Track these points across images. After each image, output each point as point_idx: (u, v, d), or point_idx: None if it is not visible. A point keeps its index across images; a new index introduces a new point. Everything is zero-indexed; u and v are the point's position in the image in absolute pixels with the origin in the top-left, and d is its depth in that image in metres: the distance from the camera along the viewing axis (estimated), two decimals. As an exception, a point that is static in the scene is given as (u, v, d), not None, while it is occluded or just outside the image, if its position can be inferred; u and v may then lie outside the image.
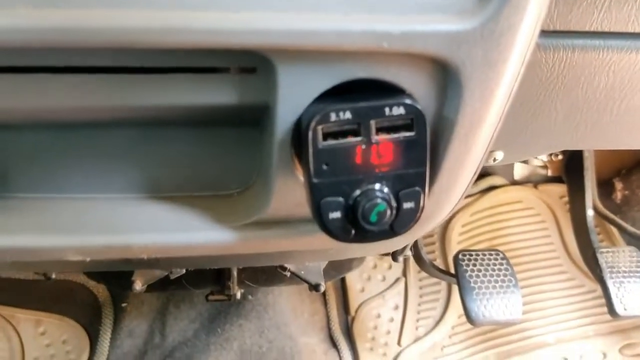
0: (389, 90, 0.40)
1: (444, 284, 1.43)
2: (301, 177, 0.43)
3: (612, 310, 1.10)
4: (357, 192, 0.39)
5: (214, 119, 0.45)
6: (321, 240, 0.45)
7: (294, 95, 0.39)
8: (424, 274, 1.32)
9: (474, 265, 1.08)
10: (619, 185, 1.44)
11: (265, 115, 0.43)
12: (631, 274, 1.12)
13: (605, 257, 1.15)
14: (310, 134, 0.38)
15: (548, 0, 0.39)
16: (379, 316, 1.40)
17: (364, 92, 0.39)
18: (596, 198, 1.40)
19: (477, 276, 1.07)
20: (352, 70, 0.39)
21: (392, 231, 0.40)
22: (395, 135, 0.38)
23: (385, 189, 0.39)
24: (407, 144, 0.39)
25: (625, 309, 1.09)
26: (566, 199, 1.47)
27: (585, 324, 1.40)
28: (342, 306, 1.40)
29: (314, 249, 0.55)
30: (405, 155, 0.39)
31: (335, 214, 0.39)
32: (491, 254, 1.10)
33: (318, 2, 0.36)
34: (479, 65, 0.38)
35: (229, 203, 0.49)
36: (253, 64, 0.40)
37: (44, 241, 0.45)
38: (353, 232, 0.40)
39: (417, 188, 0.39)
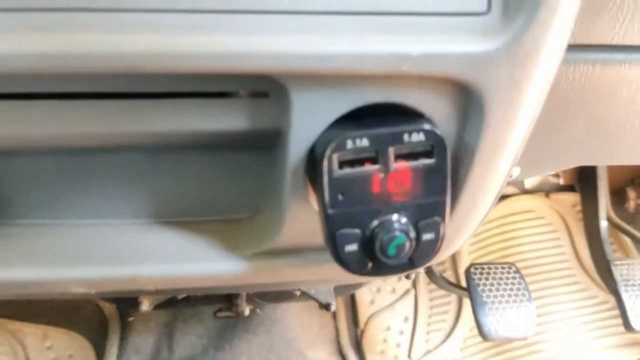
0: (407, 114, 0.38)
1: (454, 295, 1.40)
2: (314, 205, 0.41)
3: (627, 325, 1.07)
4: (375, 222, 0.37)
5: (223, 143, 0.43)
6: (334, 270, 0.43)
7: (308, 120, 0.37)
8: (434, 284, 1.30)
9: (486, 279, 1.06)
10: (632, 194, 1.41)
11: (278, 140, 0.41)
12: (647, 287, 1.09)
13: (619, 270, 1.12)
14: (325, 162, 0.36)
15: (575, 13, 0.37)
16: (388, 329, 1.38)
17: (381, 116, 0.37)
18: (609, 207, 1.38)
19: (490, 290, 1.05)
20: (369, 94, 0.37)
21: (411, 264, 0.38)
22: (415, 163, 0.36)
23: (404, 220, 0.37)
24: (427, 172, 0.36)
25: (641, 323, 1.07)
26: (578, 208, 1.45)
27: (600, 337, 1.38)
28: (351, 319, 1.38)
29: (326, 278, 0.53)
30: (425, 183, 0.37)
31: (352, 247, 0.37)
32: (504, 267, 1.08)
33: (333, 23, 0.34)
34: (503, 88, 0.36)
35: (239, 230, 0.47)
36: (265, 88, 0.38)
37: (47, 274, 0.43)
38: (370, 265, 0.38)
39: (436, 218, 0.37)
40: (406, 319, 1.39)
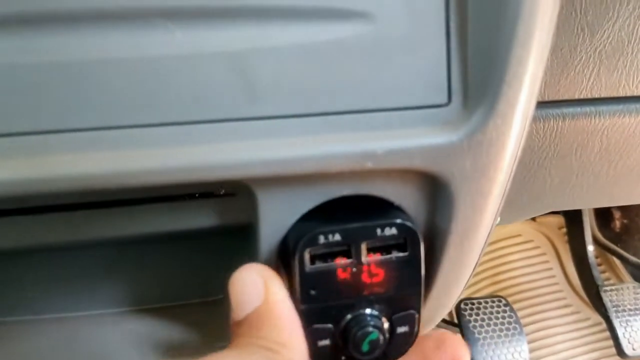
0: (377, 204, 0.38)
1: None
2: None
3: (620, 351, 1.07)
4: (348, 317, 0.36)
5: (197, 234, 0.43)
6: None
7: (276, 217, 0.37)
8: (426, 319, 1.29)
9: (477, 314, 1.06)
10: (617, 214, 1.42)
11: (250, 230, 0.41)
12: (637, 312, 1.10)
13: (609, 296, 1.12)
14: (296, 258, 0.35)
15: (535, 98, 0.37)
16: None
17: (351, 206, 0.37)
18: (595, 228, 1.39)
19: (482, 326, 1.05)
20: (337, 188, 0.37)
21: (385, 358, 0.37)
22: (388, 256, 0.36)
23: (378, 314, 0.36)
24: (401, 265, 0.36)
25: (634, 349, 1.07)
26: (565, 230, 1.45)
27: (595, 359, 1.37)
28: None
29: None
30: (399, 276, 0.36)
31: (324, 342, 0.37)
32: (493, 302, 1.08)
33: (293, 126, 0.34)
34: (469, 175, 0.36)
35: (216, 316, 0.46)
36: (232, 190, 0.37)
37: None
38: (343, 359, 0.37)
39: (411, 311, 0.37)
40: (401, 354, 1.38)
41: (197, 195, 0.39)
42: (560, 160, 0.60)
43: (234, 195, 0.38)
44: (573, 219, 1.30)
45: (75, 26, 0.31)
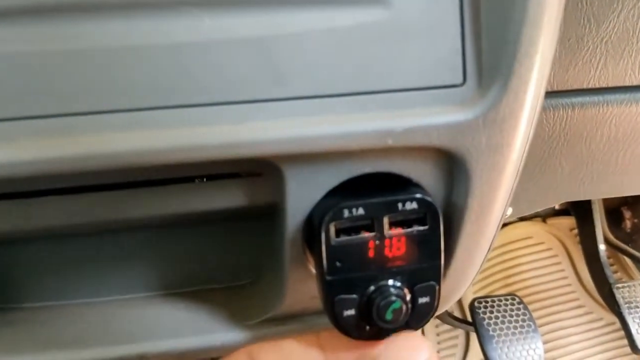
0: (398, 181, 0.40)
1: (461, 329, 1.40)
2: (314, 270, 0.43)
3: (634, 347, 1.08)
4: (372, 288, 0.38)
5: (222, 217, 0.45)
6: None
7: (302, 194, 0.39)
8: (439, 320, 1.30)
9: (491, 312, 1.07)
10: (627, 213, 1.43)
11: (275, 211, 0.43)
12: (650, 308, 1.10)
13: (622, 293, 1.13)
14: (323, 231, 0.37)
15: (548, 73, 0.39)
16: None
17: (373, 184, 0.39)
18: (606, 228, 1.40)
19: (495, 324, 1.06)
20: (359, 166, 0.39)
21: (408, 327, 0.39)
22: (409, 230, 0.38)
23: (400, 285, 0.38)
24: (421, 238, 0.38)
25: (648, 345, 1.07)
26: (576, 231, 1.46)
27: (609, 358, 1.38)
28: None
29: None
30: (420, 249, 0.38)
31: (350, 312, 0.38)
32: (507, 299, 1.09)
33: (319, 106, 0.36)
34: (484, 152, 0.38)
35: (243, 298, 0.49)
36: (259, 169, 0.39)
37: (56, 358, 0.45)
38: (368, 328, 0.39)
39: (432, 282, 0.39)
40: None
41: (225, 176, 0.41)
42: (570, 149, 0.62)
43: (260, 175, 0.40)
44: (584, 218, 1.31)
45: (106, 13, 0.34)
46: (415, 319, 0.39)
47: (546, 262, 1.49)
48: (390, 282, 0.38)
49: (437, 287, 0.39)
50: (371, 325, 0.39)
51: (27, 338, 0.46)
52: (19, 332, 0.46)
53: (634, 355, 1.37)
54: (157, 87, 0.35)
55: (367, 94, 0.37)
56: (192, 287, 0.50)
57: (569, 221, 1.51)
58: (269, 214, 0.45)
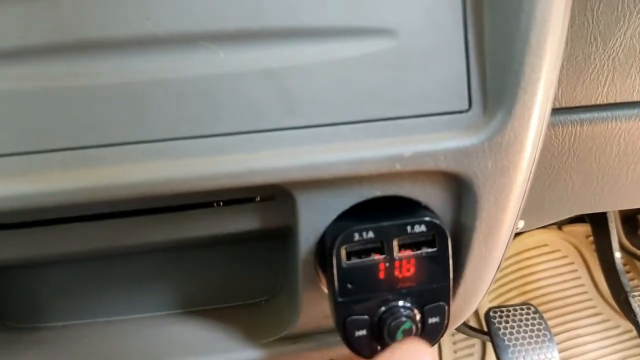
0: (406, 204, 0.41)
1: (477, 339, 1.41)
2: (326, 290, 0.44)
3: (652, 356, 1.07)
4: (382, 309, 0.40)
5: (238, 238, 0.47)
6: (347, 351, 0.46)
7: (314, 218, 0.40)
8: (455, 329, 1.30)
9: (507, 322, 1.07)
10: (643, 220, 1.42)
11: (288, 233, 0.44)
12: (667, 317, 1.10)
13: (638, 301, 1.13)
14: (334, 254, 0.39)
15: (551, 101, 0.40)
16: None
17: (382, 206, 0.41)
18: (622, 235, 1.39)
19: (511, 333, 1.06)
20: (369, 190, 0.40)
21: None
22: (418, 252, 0.39)
23: (410, 305, 0.39)
24: (430, 260, 0.39)
25: (665, 354, 1.07)
26: (592, 238, 1.46)
27: (627, 366, 1.37)
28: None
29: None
30: (429, 270, 0.39)
31: (361, 332, 0.40)
32: (522, 309, 1.09)
33: (330, 134, 0.38)
34: (490, 175, 0.39)
35: (258, 316, 0.50)
36: (272, 193, 0.41)
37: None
38: (379, 348, 0.40)
39: (441, 303, 0.40)
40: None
41: (240, 200, 0.42)
42: (580, 164, 0.63)
43: (273, 199, 0.42)
44: (599, 225, 1.31)
45: (125, 50, 0.35)
46: (425, 338, 0.40)
47: (562, 270, 1.48)
48: (401, 303, 0.40)
49: (446, 307, 0.40)
50: (382, 345, 0.40)
51: (51, 357, 0.47)
52: (43, 352, 0.48)
53: (653, 363, 1.36)
54: (174, 118, 0.36)
55: (376, 121, 0.38)
56: (208, 305, 0.51)
57: (584, 228, 1.50)
58: (282, 236, 0.47)
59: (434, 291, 0.40)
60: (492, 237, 0.43)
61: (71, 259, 0.48)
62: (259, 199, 0.42)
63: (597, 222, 1.32)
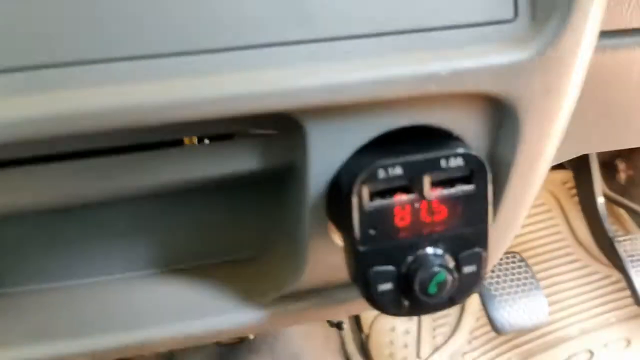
0: (435, 135, 0.34)
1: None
2: (337, 240, 0.38)
3: (638, 301, 1.06)
4: (411, 258, 0.33)
5: (225, 184, 0.39)
6: (363, 306, 0.39)
7: (326, 153, 0.33)
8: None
9: (492, 271, 1.04)
10: (621, 165, 1.40)
11: (291, 175, 0.37)
12: (653, 261, 1.08)
13: (623, 246, 1.11)
14: (354, 195, 0.32)
15: (603, 9, 0.34)
16: (393, 329, 1.35)
17: (405, 140, 0.34)
18: (601, 181, 1.37)
19: (497, 282, 1.03)
20: (392, 120, 0.33)
21: (451, 301, 0.34)
22: (453, 191, 0.33)
23: (442, 253, 0.33)
24: (466, 199, 0.33)
25: (652, 298, 1.05)
26: (569, 185, 1.43)
27: (606, 312, 1.36)
28: (355, 325, 1.34)
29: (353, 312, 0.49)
30: (465, 212, 0.33)
31: (386, 286, 0.33)
32: (507, 257, 1.06)
33: (349, 47, 0.30)
34: (538, 97, 0.33)
35: (253, 273, 0.43)
36: (275, 125, 0.34)
37: (47, 351, 0.39)
38: (406, 304, 0.34)
39: (478, 249, 0.34)
40: (410, 317, 1.36)
41: (234, 135, 0.35)
42: (597, 95, 0.58)
43: (276, 133, 0.35)
44: (580, 171, 1.28)
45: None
46: (461, 291, 0.34)
47: (540, 217, 1.46)
48: (431, 250, 0.33)
49: (483, 254, 0.34)
50: (411, 300, 0.34)
51: (16, 328, 0.40)
52: (7, 321, 0.40)
53: (631, 308, 1.36)
54: (159, 30, 0.29)
55: (405, 32, 0.31)
56: (193, 262, 0.44)
57: (561, 175, 1.47)
58: (279, 181, 0.40)
59: (470, 236, 0.34)
60: (531, 171, 0.37)
61: (35, 210, 0.40)
62: (257, 132, 0.35)
63: (579, 167, 1.30)
